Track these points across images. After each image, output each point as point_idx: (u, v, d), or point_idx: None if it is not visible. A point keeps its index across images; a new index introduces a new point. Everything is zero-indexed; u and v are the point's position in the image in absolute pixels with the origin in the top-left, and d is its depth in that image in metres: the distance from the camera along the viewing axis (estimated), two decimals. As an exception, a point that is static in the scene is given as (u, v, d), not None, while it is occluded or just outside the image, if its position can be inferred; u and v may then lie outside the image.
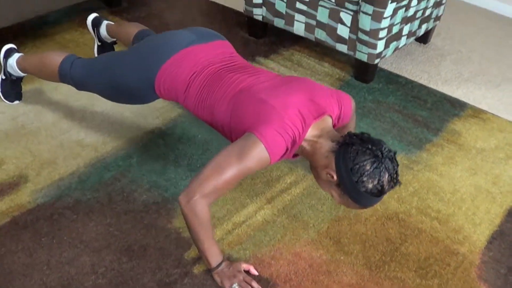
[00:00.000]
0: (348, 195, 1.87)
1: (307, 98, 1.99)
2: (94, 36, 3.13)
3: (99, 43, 3.14)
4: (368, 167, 1.81)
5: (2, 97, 2.83)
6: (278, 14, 3.30)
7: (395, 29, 3.04)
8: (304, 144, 1.97)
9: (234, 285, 1.97)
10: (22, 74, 2.76)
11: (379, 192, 1.84)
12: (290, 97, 1.97)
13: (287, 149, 1.93)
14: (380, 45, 2.99)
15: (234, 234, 2.21)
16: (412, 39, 3.34)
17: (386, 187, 1.84)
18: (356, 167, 1.81)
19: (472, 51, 3.66)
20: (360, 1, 2.91)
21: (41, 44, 3.28)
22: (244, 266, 2.04)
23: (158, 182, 2.42)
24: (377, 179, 1.82)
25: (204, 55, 2.20)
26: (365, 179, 1.81)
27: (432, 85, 3.23)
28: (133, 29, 2.83)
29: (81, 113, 2.78)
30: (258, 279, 2.04)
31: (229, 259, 2.09)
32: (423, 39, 3.61)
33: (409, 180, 2.53)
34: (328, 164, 1.89)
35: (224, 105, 2.05)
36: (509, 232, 2.33)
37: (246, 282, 1.98)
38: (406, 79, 3.26)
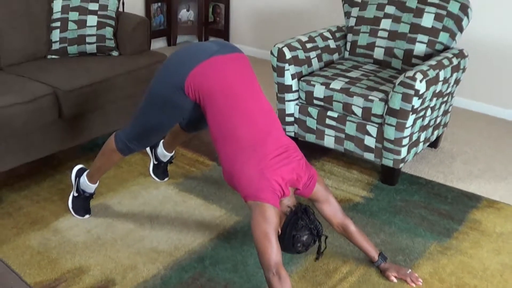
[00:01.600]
0: (281, 245, 2.47)
1: (295, 170, 2.59)
2: (151, 156, 3.51)
3: (155, 162, 3.53)
4: (304, 239, 2.51)
5: (73, 212, 3.16)
6: (309, 131, 3.75)
7: (414, 137, 3.51)
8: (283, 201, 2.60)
9: None
10: (94, 187, 3.12)
11: (300, 252, 2.58)
12: (279, 170, 2.54)
13: (278, 197, 2.53)
14: (404, 151, 3.45)
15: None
16: (427, 144, 3.82)
17: (306, 250, 2.58)
18: (297, 236, 2.50)
19: (477, 151, 4.15)
20: (384, 115, 3.39)
21: (97, 166, 3.66)
22: None
23: (232, 279, 2.76)
24: (306, 246, 2.54)
25: (227, 67, 2.65)
26: (299, 245, 2.52)
27: (448, 183, 3.68)
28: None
29: (149, 224, 3.14)
30: None
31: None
32: (434, 144, 4.09)
33: (445, 263, 2.92)
34: (280, 221, 2.52)
35: (233, 146, 2.58)
36: (536, 301, 2.72)
37: None
38: (425, 179, 3.71)
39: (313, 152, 3.97)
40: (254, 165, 2.50)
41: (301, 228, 2.49)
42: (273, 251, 2.38)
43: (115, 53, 3.94)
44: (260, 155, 2.52)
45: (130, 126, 2.89)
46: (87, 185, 3.09)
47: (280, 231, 2.50)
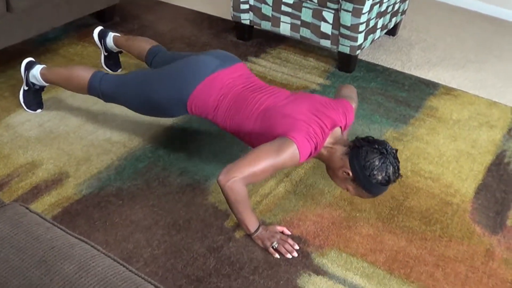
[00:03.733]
0: (362, 187, 2.30)
1: (322, 113, 2.39)
2: (101, 47, 3.40)
3: (106, 53, 3.42)
4: (377, 163, 2.24)
5: (25, 107, 3.07)
6: (264, 18, 3.66)
7: (371, 23, 3.45)
8: (323, 150, 2.40)
9: (274, 244, 2.32)
10: (45, 84, 3.01)
11: (387, 182, 2.28)
12: (309, 112, 2.38)
13: (311, 153, 2.33)
14: (360, 38, 3.40)
15: (263, 204, 2.57)
16: (384, 32, 3.76)
17: (392, 177, 2.28)
18: (367, 163, 2.25)
19: (436, 39, 4.12)
20: (340, 0, 3.30)
21: (47, 59, 3.53)
22: (278, 228, 2.40)
23: (187, 167, 2.75)
24: (384, 172, 2.25)
25: (228, 78, 2.57)
26: (375, 172, 2.24)
27: (406, 71, 3.66)
28: (144, 44, 3.15)
29: (103, 115, 3.07)
30: (291, 237, 2.40)
31: (264, 224, 2.43)
32: (392, 31, 4.04)
33: (401, 149, 2.94)
34: (344, 165, 2.32)
35: (251, 122, 2.44)
36: (491, 184, 2.77)
37: (283, 240, 2.35)
38: (382, 67, 3.68)
39: (269, 40, 3.91)
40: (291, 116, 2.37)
41: (367, 154, 2.26)
42: (246, 171, 2.21)
43: None
44: (295, 111, 2.39)
45: (113, 87, 2.76)
46: (39, 80, 2.98)
47: (351, 173, 2.29)
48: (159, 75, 2.68)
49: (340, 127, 2.47)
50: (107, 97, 2.79)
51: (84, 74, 2.83)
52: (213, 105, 2.54)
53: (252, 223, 2.33)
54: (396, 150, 2.33)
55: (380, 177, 2.25)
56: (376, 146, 2.27)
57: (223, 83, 2.55)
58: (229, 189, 2.22)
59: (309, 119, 2.34)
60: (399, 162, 2.32)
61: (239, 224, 2.39)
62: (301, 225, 2.47)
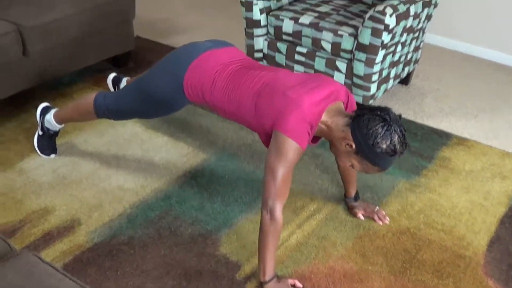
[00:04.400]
0: (367, 159, 2.20)
1: (322, 88, 2.33)
2: (116, 95, 3.46)
3: (121, 100, 3.47)
4: (380, 130, 2.14)
5: (38, 152, 3.10)
6: (278, 66, 3.69)
7: (384, 73, 3.47)
8: (321, 125, 2.31)
9: None
10: (59, 127, 3.04)
11: (393, 152, 2.17)
12: (306, 88, 2.31)
13: (308, 134, 2.27)
14: (373, 87, 3.41)
15: (275, 255, 2.56)
16: (397, 81, 3.78)
17: (398, 146, 2.17)
18: (370, 131, 2.14)
19: (449, 88, 4.12)
20: (353, 50, 3.33)
21: (61, 103, 3.56)
22: (290, 281, 2.38)
23: (198, 217, 2.75)
24: (389, 140, 2.14)
25: (223, 56, 2.55)
26: (379, 140, 2.14)
27: (418, 120, 3.67)
28: None
29: (116, 162, 3.09)
30: (302, 290, 2.39)
31: (276, 276, 2.41)
32: (405, 81, 4.05)
33: (414, 200, 2.93)
34: (346, 136, 2.22)
35: (250, 99, 2.39)
36: (504, 236, 2.74)
37: (294, 293, 2.33)
38: (395, 116, 3.69)
39: (283, 89, 3.91)
40: (286, 98, 2.29)
41: (369, 122, 2.15)
42: (274, 188, 2.20)
43: (79, -13, 3.80)
44: (287, 90, 2.32)
45: (114, 99, 2.80)
46: (53, 124, 3.02)
47: (353, 145, 2.20)
48: (153, 69, 2.68)
49: (343, 103, 2.39)
50: (114, 112, 2.82)
51: (88, 98, 2.89)
52: (209, 81, 2.48)
53: (270, 270, 2.31)
54: (400, 116, 2.24)
55: (384, 146, 2.15)
56: (378, 113, 2.17)
57: (219, 59, 2.52)
58: (271, 218, 2.22)
59: (301, 96, 2.26)
60: (405, 130, 2.22)
61: (251, 276, 2.39)
62: (313, 278, 2.45)
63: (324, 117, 2.30)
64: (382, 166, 2.24)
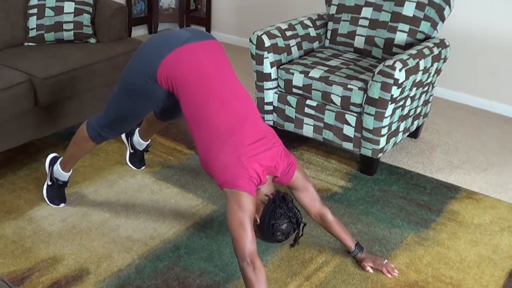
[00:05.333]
0: (260, 234, 2.51)
1: (264, 158, 2.49)
2: (127, 145, 3.49)
3: (132, 151, 3.50)
4: (283, 227, 2.47)
5: (48, 202, 3.13)
6: (288, 119, 3.73)
7: (393, 127, 3.50)
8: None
9: None
10: (67, 176, 3.08)
11: (280, 241, 2.53)
12: (261, 149, 2.49)
13: (255, 183, 2.46)
14: (382, 141, 3.44)
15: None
16: (406, 134, 3.81)
17: (286, 239, 2.53)
18: (276, 224, 2.46)
19: (457, 142, 4.15)
20: (363, 104, 3.37)
21: (74, 154, 3.62)
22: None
23: (207, 268, 2.75)
24: (285, 235, 2.50)
25: (201, 55, 2.58)
26: (278, 233, 2.48)
27: (427, 174, 3.68)
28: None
29: (125, 212, 3.11)
30: None
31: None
32: (414, 134, 4.08)
33: (422, 254, 2.92)
34: (257, 209, 2.48)
35: (214, 140, 2.49)
36: (513, 291, 2.72)
37: None
38: (404, 169, 3.70)
39: (291, 141, 3.96)
40: (231, 152, 2.44)
41: (280, 217, 2.45)
42: (248, 240, 2.33)
43: (92, 40, 3.90)
44: (237, 142, 2.45)
45: (103, 113, 2.85)
46: (60, 173, 3.06)
47: (258, 220, 2.47)
48: (130, 61, 2.70)
49: (275, 176, 2.58)
50: (107, 126, 2.85)
51: (81, 128, 2.95)
52: (181, 83, 2.54)
53: None
54: (305, 224, 2.61)
55: (279, 237, 2.50)
56: (290, 215, 2.47)
57: (194, 60, 2.56)
58: (252, 269, 2.33)
59: (249, 161, 2.44)
60: (301, 234, 2.59)
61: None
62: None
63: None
64: (266, 241, 2.60)
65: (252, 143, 2.47)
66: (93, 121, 2.88)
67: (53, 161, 3.09)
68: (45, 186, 3.14)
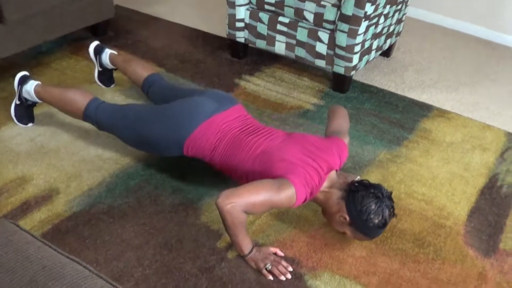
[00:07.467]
0: (359, 231, 2.32)
1: (318, 157, 2.40)
2: (96, 63, 3.38)
3: (100, 69, 3.40)
4: (373, 207, 2.27)
5: (16, 121, 3.05)
6: (260, 36, 3.66)
7: (367, 44, 3.45)
8: (319, 194, 2.40)
9: (267, 265, 2.30)
10: (38, 101, 2.98)
11: (383, 225, 2.30)
12: (306, 156, 2.38)
13: (305, 199, 2.32)
14: (355, 58, 3.39)
15: (256, 224, 2.55)
16: (379, 53, 3.76)
17: (388, 220, 2.30)
18: (364, 208, 2.27)
19: (430, 61, 4.12)
20: (336, 21, 3.30)
21: (39, 72, 3.52)
22: (272, 249, 2.38)
23: (179, 186, 2.73)
24: (381, 215, 2.27)
25: (225, 122, 2.56)
26: (372, 216, 2.26)
27: (399, 92, 3.66)
28: (141, 71, 3.15)
29: (95, 131, 3.04)
30: (284, 259, 2.38)
31: (257, 245, 2.41)
32: (387, 53, 4.04)
33: (395, 171, 2.93)
34: (340, 209, 2.33)
35: (248, 165, 2.42)
36: (484, 207, 2.75)
37: (276, 261, 2.33)
38: (377, 88, 3.68)
39: (263, 58, 3.90)
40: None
41: (363, 199, 2.28)
42: (247, 198, 2.20)
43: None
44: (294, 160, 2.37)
45: (109, 117, 2.74)
46: (32, 97, 2.96)
47: (347, 218, 2.31)
48: (157, 114, 2.65)
49: (336, 170, 2.48)
50: (102, 127, 2.79)
51: (80, 100, 2.81)
52: (209, 149, 2.53)
53: (246, 245, 2.31)
54: (391, 192, 2.35)
55: (376, 221, 2.27)
56: (372, 191, 2.29)
57: (220, 127, 2.54)
58: (228, 213, 2.19)
59: (306, 164, 2.34)
60: (394, 202, 2.35)
61: (232, 245, 2.37)
62: (294, 246, 2.45)
63: (322, 187, 2.40)
64: (373, 237, 2.36)
65: (306, 154, 2.41)
66: (93, 112, 2.77)
67: (22, 80, 2.98)
68: (13, 105, 3.05)
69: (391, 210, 2.31)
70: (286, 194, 2.23)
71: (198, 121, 2.55)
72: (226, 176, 2.59)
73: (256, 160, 2.41)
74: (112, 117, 2.73)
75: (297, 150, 2.40)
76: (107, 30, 4.10)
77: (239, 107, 2.69)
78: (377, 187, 2.32)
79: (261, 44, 3.69)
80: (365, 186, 2.32)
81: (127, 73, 3.21)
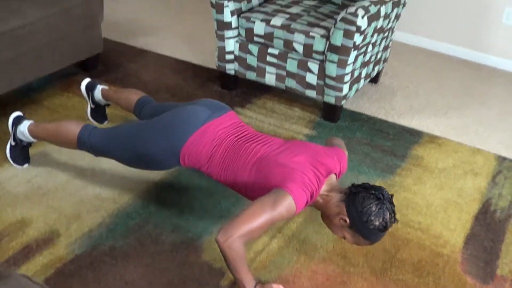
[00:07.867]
0: (359, 233, 2.30)
1: (316, 161, 2.42)
2: (88, 100, 3.39)
3: (93, 106, 3.41)
4: (374, 208, 2.25)
5: (11, 162, 3.04)
6: (249, 68, 3.70)
7: (356, 73, 3.51)
8: (318, 198, 2.41)
9: None
10: (33, 140, 2.99)
11: (384, 228, 2.28)
12: (304, 160, 2.40)
13: (307, 202, 2.34)
14: (345, 88, 3.45)
15: (257, 261, 2.58)
16: (368, 80, 3.82)
17: (388, 223, 2.28)
18: (365, 209, 2.25)
19: (417, 86, 4.19)
20: (325, 51, 3.36)
21: (32, 110, 3.52)
22: (274, 286, 2.38)
23: (179, 224, 2.75)
24: (381, 217, 2.25)
25: (220, 128, 2.58)
26: (372, 218, 2.24)
27: (390, 119, 3.72)
28: (133, 96, 3.14)
29: (91, 171, 3.06)
30: (287, 295, 2.41)
31: (260, 282, 2.43)
32: (375, 79, 4.10)
33: (390, 200, 2.98)
34: (340, 211, 2.32)
35: (247, 172, 2.44)
36: (479, 233, 2.81)
37: (279, 298, 2.35)
38: (367, 115, 3.73)
39: (254, 89, 3.94)
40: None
41: (364, 200, 2.27)
42: (245, 227, 2.20)
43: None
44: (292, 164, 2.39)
45: (102, 140, 2.74)
46: (27, 137, 2.97)
47: (348, 220, 2.29)
48: (149, 128, 2.66)
49: (335, 174, 2.49)
50: (97, 151, 2.78)
51: (73, 128, 2.81)
52: (206, 156, 2.53)
53: (248, 281, 2.32)
54: (392, 195, 2.35)
55: (377, 223, 2.26)
56: (373, 192, 2.28)
57: (215, 134, 2.55)
58: (228, 248, 2.21)
59: (304, 168, 2.36)
60: (394, 206, 2.33)
61: (235, 282, 2.39)
62: (296, 282, 2.48)
63: (322, 190, 2.40)
64: (373, 240, 2.33)
65: (305, 159, 2.43)
66: (86, 138, 2.76)
67: (16, 121, 2.99)
68: (8, 146, 3.05)
69: (392, 214, 2.29)
70: (283, 206, 2.24)
71: (192, 129, 2.56)
72: (224, 209, 2.61)
73: (254, 166, 2.43)
74: (105, 139, 2.73)
75: (295, 155, 2.42)
76: (97, 65, 4.11)
77: (232, 114, 2.70)
78: (378, 189, 2.31)
79: (251, 75, 3.73)
80: (366, 188, 2.31)
81: (120, 101, 3.22)
